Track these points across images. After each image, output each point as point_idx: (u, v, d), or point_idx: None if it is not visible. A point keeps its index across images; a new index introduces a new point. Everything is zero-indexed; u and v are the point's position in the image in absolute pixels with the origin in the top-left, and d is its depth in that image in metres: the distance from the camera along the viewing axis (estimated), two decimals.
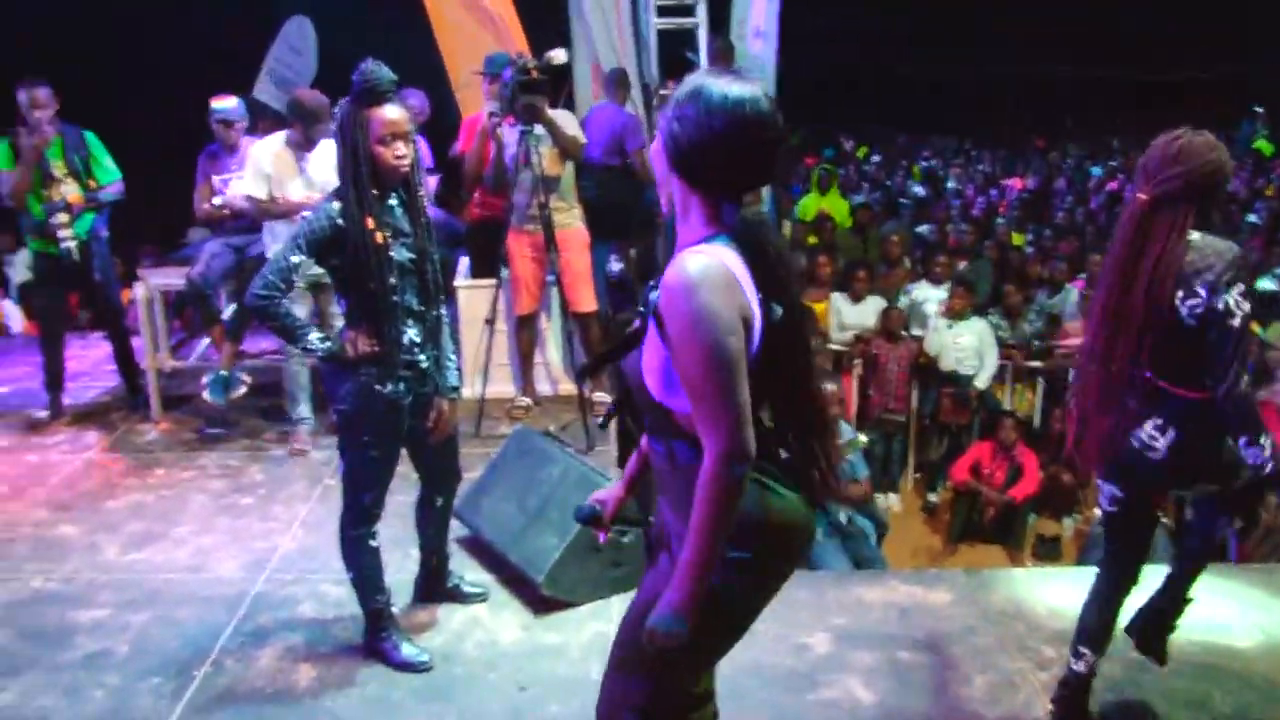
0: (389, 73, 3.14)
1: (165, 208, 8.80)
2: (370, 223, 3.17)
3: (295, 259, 3.16)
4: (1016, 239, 10.57)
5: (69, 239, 5.59)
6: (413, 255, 3.30)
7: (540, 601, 3.96)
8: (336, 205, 3.16)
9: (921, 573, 4.60)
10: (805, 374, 2.11)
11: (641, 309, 2.03)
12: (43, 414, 6.02)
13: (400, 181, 3.26)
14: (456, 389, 3.56)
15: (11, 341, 8.25)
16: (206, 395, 5.67)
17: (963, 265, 8.65)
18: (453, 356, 3.55)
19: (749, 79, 1.94)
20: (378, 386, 3.28)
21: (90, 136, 5.76)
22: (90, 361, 7.13)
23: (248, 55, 8.90)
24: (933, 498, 7.43)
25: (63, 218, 5.57)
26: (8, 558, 4.41)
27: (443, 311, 3.48)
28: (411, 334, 3.34)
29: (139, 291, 6.03)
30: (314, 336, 3.25)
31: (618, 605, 4.00)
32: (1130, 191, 2.87)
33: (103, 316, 6.26)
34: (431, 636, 3.77)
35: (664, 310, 1.89)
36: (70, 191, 5.61)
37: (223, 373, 5.64)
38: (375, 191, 3.18)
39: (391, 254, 3.23)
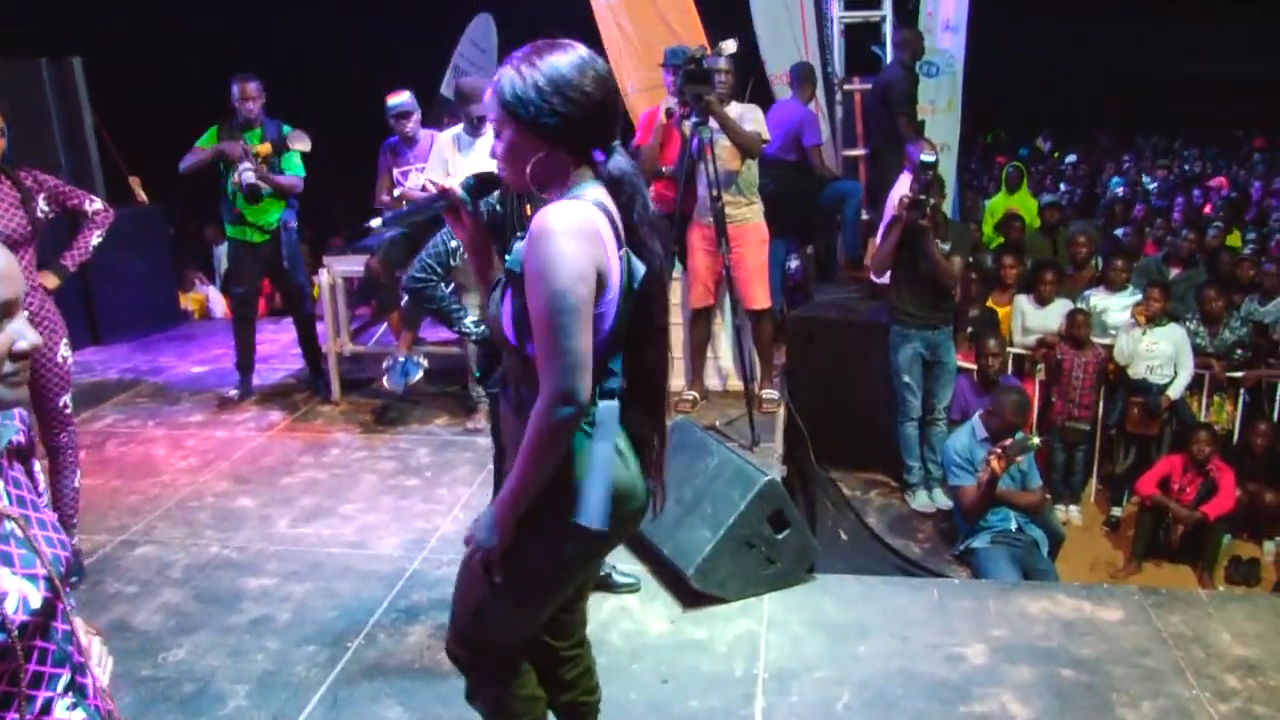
0: None
1: (355, 200, 9.21)
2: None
3: (453, 244, 3.21)
4: (1232, 240, 9.87)
5: (249, 171, 5.85)
6: None
7: (690, 595, 3.92)
8: (495, 193, 3.20)
9: (1091, 587, 4.32)
10: (653, 339, 2.23)
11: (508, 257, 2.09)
12: (233, 393, 6.36)
13: None
14: None
15: (214, 325, 8.75)
16: (385, 381, 5.84)
17: (1175, 273, 8.13)
18: None
19: (572, 44, 2.08)
20: None
21: (287, 130, 6.04)
22: (280, 345, 7.48)
23: (436, 53, 9.22)
24: (1117, 512, 7.02)
25: (248, 163, 5.86)
26: (191, 524, 4.67)
27: None
28: None
29: (323, 278, 6.28)
30: (469, 320, 3.30)
31: (769, 603, 3.94)
32: None
33: (289, 301, 6.56)
34: None
35: (525, 255, 2.00)
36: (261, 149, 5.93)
37: (400, 358, 5.81)
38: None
39: None
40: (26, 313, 1.42)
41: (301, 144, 6.00)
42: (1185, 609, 3.96)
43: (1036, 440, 5.31)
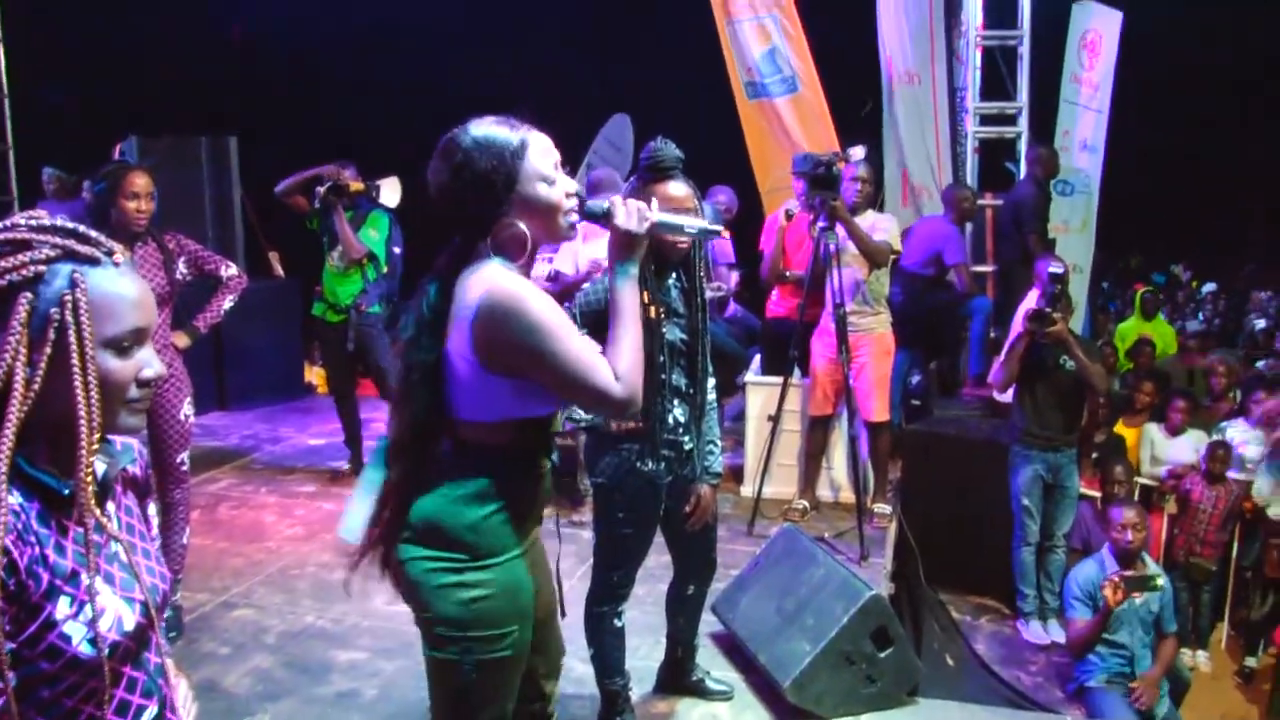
0: (675, 150, 3.15)
1: None
2: (645, 297, 3.15)
3: None
4: None
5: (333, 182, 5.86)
6: (685, 336, 3.26)
7: (785, 708, 3.76)
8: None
9: None
10: None
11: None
12: (344, 466, 6.45)
13: (679, 261, 3.24)
14: (718, 475, 3.47)
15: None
16: None
17: None
18: (717, 442, 3.47)
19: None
20: (638, 463, 3.23)
21: (374, 213, 6.00)
22: None
23: (569, 153, 9.43)
24: (1251, 662, 6.59)
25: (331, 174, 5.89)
26: (290, 592, 4.71)
27: (710, 396, 3.41)
28: (677, 414, 3.29)
29: None
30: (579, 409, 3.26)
31: None
32: None
33: (375, 384, 6.52)
34: None
35: (487, 325, 2.06)
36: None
37: None
38: (653, 267, 3.18)
39: (664, 332, 3.20)
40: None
41: (391, 192, 5.98)
42: None
43: (1163, 580, 4.98)
